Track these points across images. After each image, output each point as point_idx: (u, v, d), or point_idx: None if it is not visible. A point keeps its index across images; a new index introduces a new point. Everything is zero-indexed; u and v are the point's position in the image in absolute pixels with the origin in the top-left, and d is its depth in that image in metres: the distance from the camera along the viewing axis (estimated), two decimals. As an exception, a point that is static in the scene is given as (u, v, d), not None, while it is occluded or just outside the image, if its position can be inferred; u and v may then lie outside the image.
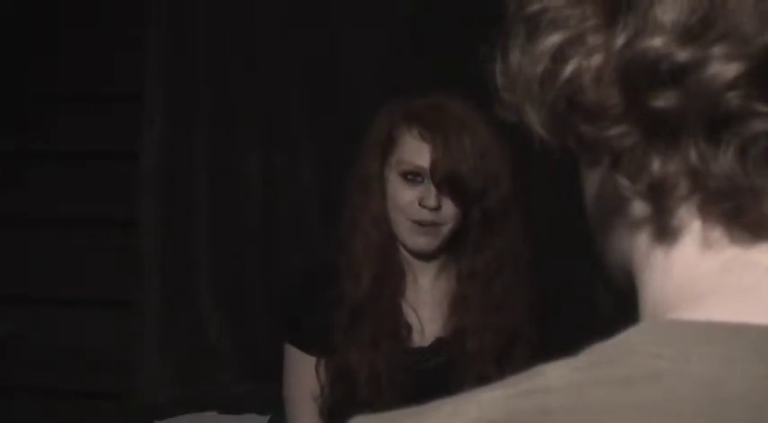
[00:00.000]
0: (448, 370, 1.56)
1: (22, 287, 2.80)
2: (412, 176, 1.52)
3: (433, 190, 1.51)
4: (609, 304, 2.18)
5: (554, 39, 0.43)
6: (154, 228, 2.52)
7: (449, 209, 1.53)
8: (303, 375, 1.61)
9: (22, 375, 2.70)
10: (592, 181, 0.49)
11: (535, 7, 0.44)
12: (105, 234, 2.77)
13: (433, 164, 1.50)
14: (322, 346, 1.58)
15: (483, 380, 1.50)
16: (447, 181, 1.50)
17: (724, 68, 0.39)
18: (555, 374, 0.41)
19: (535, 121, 0.45)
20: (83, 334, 2.67)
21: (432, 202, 1.50)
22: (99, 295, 2.77)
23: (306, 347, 1.61)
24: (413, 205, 1.52)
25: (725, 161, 0.40)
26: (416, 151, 1.52)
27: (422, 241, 1.54)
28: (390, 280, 1.58)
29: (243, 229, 2.51)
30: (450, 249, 1.59)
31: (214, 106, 2.54)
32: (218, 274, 2.52)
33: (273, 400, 1.80)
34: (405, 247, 1.57)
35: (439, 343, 1.60)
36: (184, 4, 2.56)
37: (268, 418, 1.97)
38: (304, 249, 2.45)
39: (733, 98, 0.39)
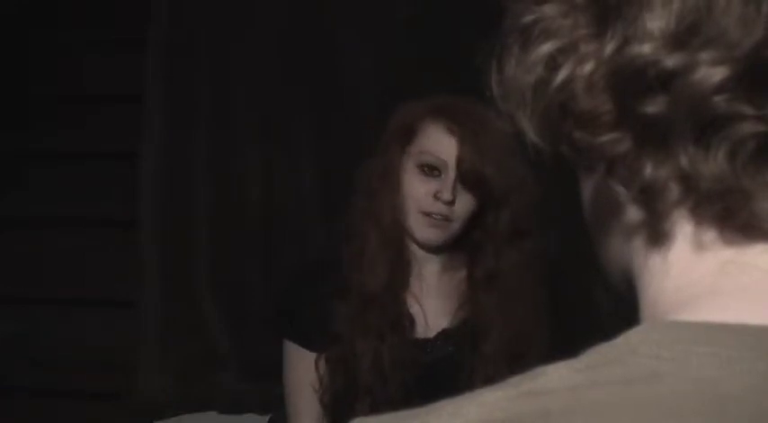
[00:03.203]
0: (453, 362, 1.56)
1: (22, 287, 2.80)
2: (429, 169, 1.53)
3: (449, 183, 1.51)
4: (609, 306, 2.18)
5: (546, 47, 0.44)
6: (154, 228, 2.53)
7: (463, 205, 1.53)
8: (303, 371, 1.61)
9: (22, 375, 2.70)
10: (588, 187, 0.50)
11: (529, 18, 0.45)
12: (105, 234, 2.77)
13: (459, 158, 1.50)
14: (321, 340, 1.58)
15: (491, 384, 1.51)
16: (471, 176, 1.50)
17: (710, 72, 0.40)
18: (555, 375, 0.41)
19: (529, 128, 0.45)
20: (83, 334, 2.67)
21: (447, 195, 1.51)
22: (99, 295, 2.77)
23: (305, 342, 1.61)
24: (427, 197, 1.52)
25: (714, 164, 0.41)
26: (441, 143, 1.52)
27: (431, 233, 1.54)
28: (399, 271, 1.58)
29: (243, 230, 2.51)
30: (460, 246, 1.59)
31: (214, 106, 2.54)
32: (218, 275, 2.52)
33: (273, 400, 1.80)
34: (413, 238, 1.57)
35: (444, 335, 1.60)
36: (185, 4, 2.57)
37: (268, 418, 1.97)
38: (304, 250, 2.46)
39: (720, 102, 0.40)
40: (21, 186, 2.87)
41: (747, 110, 0.40)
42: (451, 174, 1.51)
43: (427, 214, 1.53)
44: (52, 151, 2.92)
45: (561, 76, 0.43)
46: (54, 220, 2.84)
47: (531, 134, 0.45)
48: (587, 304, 2.24)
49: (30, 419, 2.66)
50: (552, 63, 0.44)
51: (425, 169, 1.53)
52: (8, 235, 2.85)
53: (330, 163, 2.40)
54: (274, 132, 2.51)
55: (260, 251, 2.50)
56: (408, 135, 1.56)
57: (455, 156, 1.50)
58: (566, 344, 0.52)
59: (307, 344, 1.61)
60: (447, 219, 1.53)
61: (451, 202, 1.52)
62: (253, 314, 2.47)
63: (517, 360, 1.55)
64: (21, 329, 2.71)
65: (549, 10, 0.44)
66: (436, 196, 1.51)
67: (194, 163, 2.53)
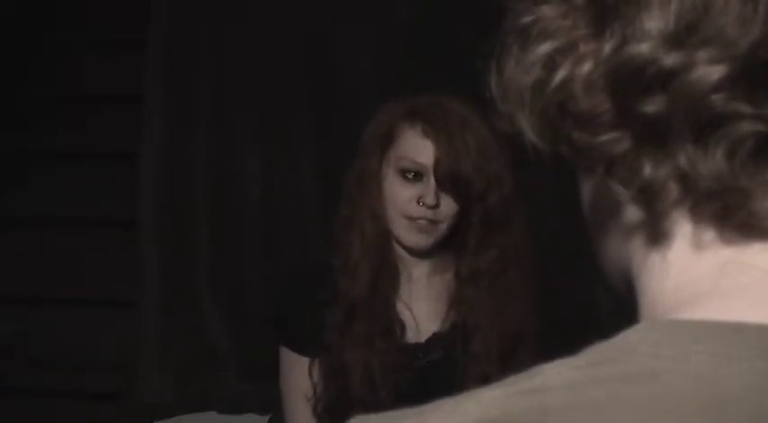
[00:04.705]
0: (446, 365, 1.56)
1: (22, 287, 2.81)
2: (410, 174, 1.52)
3: (432, 188, 1.50)
4: (609, 306, 2.18)
5: (545, 47, 0.44)
6: (154, 228, 2.53)
7: (447, 207, 1.52)
8: (298, 377, 1.60)
9: (22, 375, 2.70)
10: (587, 187, 0.50)
11: (527, 19, 0.45)
12: (105, 234, 2.78)
13: (437, 161, 1.50)
14: (316, 347, 1.58)
15: (486, 381, 1.49)
16: (449, 179, 1.50)
17: (708, 71, 0.40)
18: (554, 373, 0.41)
19: (528, 128, 0.46)
20: (83, 334, 2.67)
21: (431, 199, 1.50)
22: (99, 295, 2.77)
23: (300, 349, 1.60)
24: (411, 203, 1.51)
25: (713, 163, 0.41)
26: (418, 148, 1.52)
27: (418, 238, 1.53)
28: (386, 277, 1.57)
29: (243, 230, 2.51)
30: (447, 247, 1.59)
31: (214, 106, 2.54)
32: (218, 275, 2.52)
33: (273, 400, 1.80)
34: (400, 243, 1.57)
35: (436, 338, 1.59)
36: (185, 4, 2.57)
37: (268, 418, 1.97)
38: (304, 250, 2.46)
39: (718, 100, 0.40)
40: (21, 186, 2.87)
41: (745, 108, 0.40)
42: (432, 177, 1.51)
43: (412, 219, 1.52)
44: (52, 151, 2.93)
45: (560, 75, 0.43)
46: (54, 220, 2.84)
47: (531, 134, 0.46)
48: (587, 304, 2.24)
49: (30, 419, 2.66)
50: (551, 63, 0.44)
51: (407, 175, 1.52)
52: (8, 235, 2.85)
53: (330, 163, 2.39)
54: (274, 132, 2.51)
55: (260, 251, 2.50)
56: (387, 140, 1.55)
57: (433, 159, 1.50)
58: (565, 344, 0.52)
59: (300, 349, 1.60)
60: (433, 222, 1.52)
61: (436, 206, 1.51)
62: (253, 314, 2.48)
63: (508, 357, 1.54)
64: (21, 329, 2.71)
65: (547, 10, 0.44)
66: (419, 201, 1.51)
67: (194, 163, 2.53)
